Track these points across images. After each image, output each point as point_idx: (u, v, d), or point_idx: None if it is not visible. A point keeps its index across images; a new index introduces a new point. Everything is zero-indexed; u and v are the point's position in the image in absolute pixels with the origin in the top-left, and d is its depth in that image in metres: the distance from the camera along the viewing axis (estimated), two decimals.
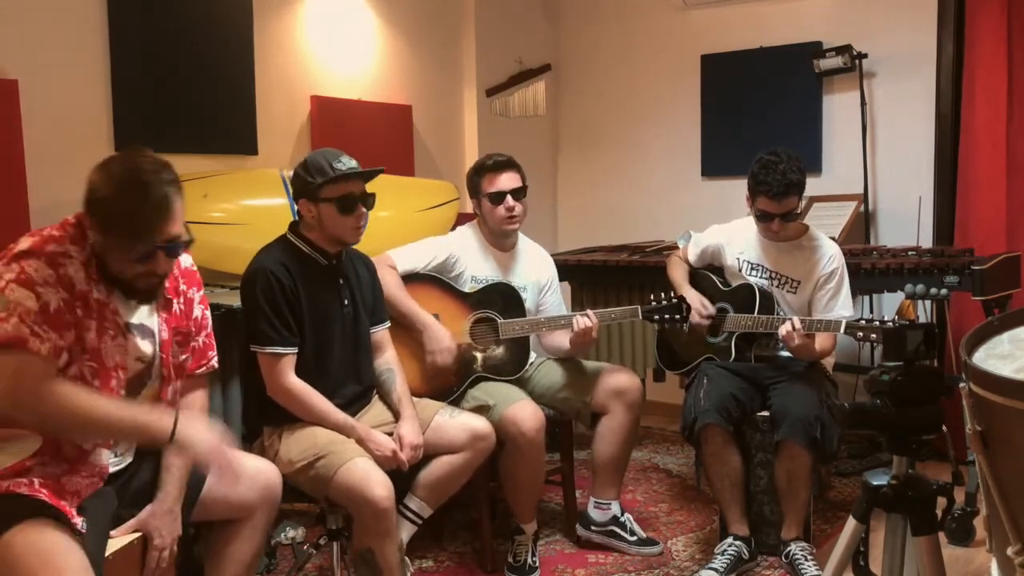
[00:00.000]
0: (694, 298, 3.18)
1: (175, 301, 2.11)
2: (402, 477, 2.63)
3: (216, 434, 1.94)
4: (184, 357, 2.14)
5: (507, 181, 3.13)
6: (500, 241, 3.22)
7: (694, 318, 3.14)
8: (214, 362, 2.24)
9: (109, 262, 1.91)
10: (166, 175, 1.90)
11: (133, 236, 1.86)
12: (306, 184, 2.58)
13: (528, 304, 3.19)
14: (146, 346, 2.02)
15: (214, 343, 2.24)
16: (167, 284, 2.06)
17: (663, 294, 3.16)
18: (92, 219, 1.88)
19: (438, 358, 2.98)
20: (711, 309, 3.18)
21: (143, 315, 2.03)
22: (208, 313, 2.23)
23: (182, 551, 2.08)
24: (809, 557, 2.92)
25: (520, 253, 3.28)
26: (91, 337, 1.89)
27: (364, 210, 2.62)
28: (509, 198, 3.12)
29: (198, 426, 1.93)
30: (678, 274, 3.38)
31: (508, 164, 3.16)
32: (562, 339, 3.21)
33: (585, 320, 3.03)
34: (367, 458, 2.46)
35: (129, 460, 2.07)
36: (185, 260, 2.15)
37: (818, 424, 2.87)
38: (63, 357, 1.85)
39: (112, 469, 2.01)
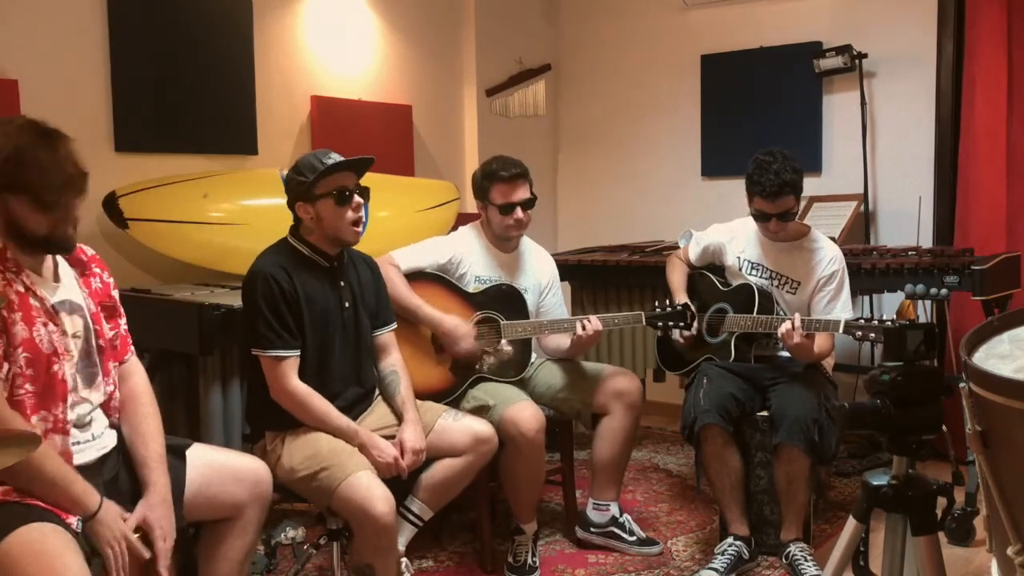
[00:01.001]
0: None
1: (93, 279, 2.11)
2: (403, 479, 2.63)
3: (123, 529, 1.91)
4: (113, 333, 2.13)
5: (519, 193, 3.11)
6: (503, 243, 3.22)
7: (683, 334, 3.15)
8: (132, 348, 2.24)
9: (26, 224, 1.89)
10: (35, 121, 1.92)
11: (49, 179, 1.86)
12: (300, 185, 2.57)
13: (529, 305, 3.19)
14: (76, 321, 2.01)
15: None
16: (83, 258, 2.08)
17: (667, 301, 3.16)
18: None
19: (462, 346, 3.00)
20: (692, 331, 3.17)
21: (67, 291, 2.01)
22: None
23: (181, 551, 2.08)
24: (808, 558, 2.92)
25: (522, 254, 3.28)
26: (19, 330, 1.86)
27: (361, 201, 2.60)
28: (519, 210, 3.11)
29: (115, 513, 1.91)
30: (676, 278, 3.37)
31: (521, 176, 3.12)
32: (561, 340, 3.21)
33: (589, 325, 3.03)
34: (370, 471, 2.44)
35: (111, 444, 2.05)
36: (89, 249, 2.15)
37: (816, 427, 2.88)
38: (3, 367, 1.83)
39: (95, 453, 2.00)
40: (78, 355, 2.00)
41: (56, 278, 2.01)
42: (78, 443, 1.98)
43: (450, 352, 3.05)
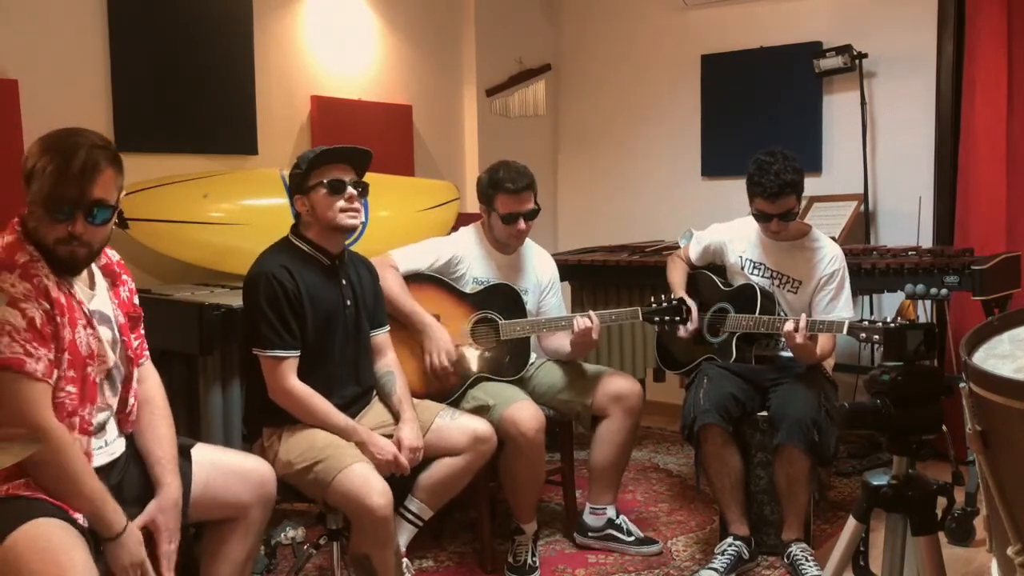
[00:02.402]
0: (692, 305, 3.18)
1: (122, 289, 2.11)
2: (402, 479, 2.63)
3: (143, 557, 1.91)
4: (138, 343, 2.14)
5: (524, 205, 3.10)
6: (503, 246, 3.21)
7: (684, 330, 3.14)
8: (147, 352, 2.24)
9: (36, 230, 1.87)
10: (99, 142, 1.90)
11: (54, 189, 1.82)
12: (295, 177, 2.59)
13: (529, 306, 3.18)
14: (105, 331, 2.01)
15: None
16: (101, 261, 2.05)
17: (663, 296, 3.16)
18: (26, 188, 1.85)
19: (436, 358, 2.97)
20: (694, 325, 3.17)
21: (99, 301, 2.02)
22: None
23: (182, 552, 2.08)
24: (810, 558, 2.92)
25: (522, 255, 3.27)
26: (66, 333, 1.87)
27: (354, 192, 2.60)
28: (522, 220, 3.11)
29: (136, 540, 1.91)
30: (677, 276, 3.38)
31: (527, 188, 3.10)
32: (562, 342, 3.21)
33: (586, 321, 3.03)
34: (366, 463, 2.45)
35: (120, 451, 2.05)
36: (114, 255, 2.14)
37: (816, 428, 2.87)
38: (54, 373, 1.84)
39: (104, 459, 2.00)
40: (110, 362, 2.01)
41: (92, 285, 2.01)
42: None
43: (426, 359, 3.00)
